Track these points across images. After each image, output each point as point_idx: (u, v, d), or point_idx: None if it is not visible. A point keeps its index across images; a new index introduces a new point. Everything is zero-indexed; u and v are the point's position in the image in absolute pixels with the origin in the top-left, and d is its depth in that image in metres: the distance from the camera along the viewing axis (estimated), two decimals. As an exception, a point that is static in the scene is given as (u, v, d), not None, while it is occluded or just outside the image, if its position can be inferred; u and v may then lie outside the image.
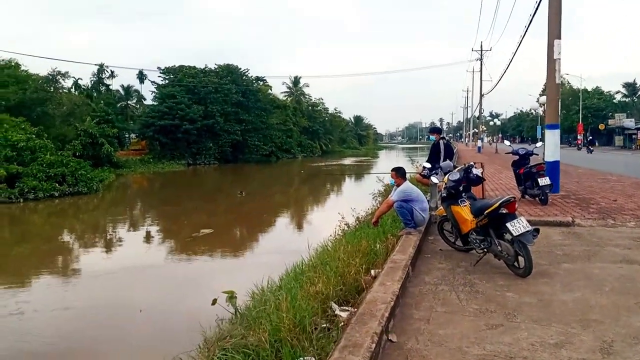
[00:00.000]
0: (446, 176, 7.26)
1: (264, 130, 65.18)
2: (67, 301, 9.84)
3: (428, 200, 8.79)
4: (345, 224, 11.47)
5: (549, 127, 13.69)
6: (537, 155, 13.20)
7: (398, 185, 8.09)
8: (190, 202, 26.70)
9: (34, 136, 28.26)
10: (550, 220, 9.47)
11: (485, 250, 6.34)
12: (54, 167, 25.94)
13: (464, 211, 6.73)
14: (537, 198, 11.63)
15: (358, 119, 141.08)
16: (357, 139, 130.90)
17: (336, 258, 6.77)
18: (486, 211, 6.08)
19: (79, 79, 76.17)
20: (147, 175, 45.88)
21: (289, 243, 13.75)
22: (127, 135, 64.13)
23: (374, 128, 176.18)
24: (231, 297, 7.39)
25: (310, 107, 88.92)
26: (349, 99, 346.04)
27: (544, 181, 11.21)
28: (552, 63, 13.32)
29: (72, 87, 76.10)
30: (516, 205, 5.99)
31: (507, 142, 13.31)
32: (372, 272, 6.10)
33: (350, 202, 15.25)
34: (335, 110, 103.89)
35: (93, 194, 27.31)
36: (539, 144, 13.79)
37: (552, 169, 12.98)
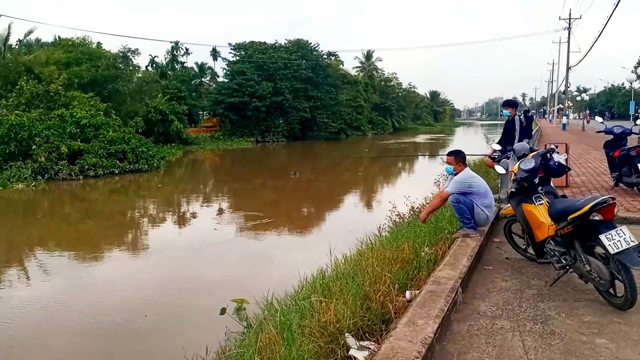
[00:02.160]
0: (517, 164, 5.52)
1: (333, 107, 63.61)
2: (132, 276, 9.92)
3: (496, 192, 7.06)
4: (397, 215, 9.91)
5: (652, 101, 11.28)
6: (639, 134, 10.87)
7: (456, 174, 6.42)
8: (244, 181, 25.94)
9: (101, 113, 28.33)
10: (655, 218, 7.45)
11: (567, 267, 4.63)
12: (115, 144, 25.84)
13: (539, 212, 5.03)
14: (635, 188, 9.50)
15: (434, 94, 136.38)
16: (433, 115, 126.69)
17: (366, 268, 5.28)
18: (571, 216, 4.35)
19: (155, 56, 78.26)
20: (215, 152, 45.85)
21: (322, 240, 10.54)
22: (200, 112, 64.76)
23: (451, 104, 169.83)
24: (239, 308, 6.15)
25: (382, 82, 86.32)
26: (425, 74, 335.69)
27: (646, 167, 9.05)
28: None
29: (148, 65, 78.52)
30: (616, 210, 4.22)
31: (598, 119, 11.01)
32: (408, 293, 4.58)
33: (410, 187, 13.62)
34: (409, 85, 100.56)
35: (154, 171, 27.07)
36: (640, 121, 11.36)
37: (656, 151, 10.66)
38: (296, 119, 58.88)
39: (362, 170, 29.43)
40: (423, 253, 5.93)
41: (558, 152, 5.65)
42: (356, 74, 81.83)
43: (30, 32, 39.76)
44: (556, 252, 4.72)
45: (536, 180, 5.24)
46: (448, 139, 67.91)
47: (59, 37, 47.93)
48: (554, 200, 5.06)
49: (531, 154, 5.69)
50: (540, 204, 5.08)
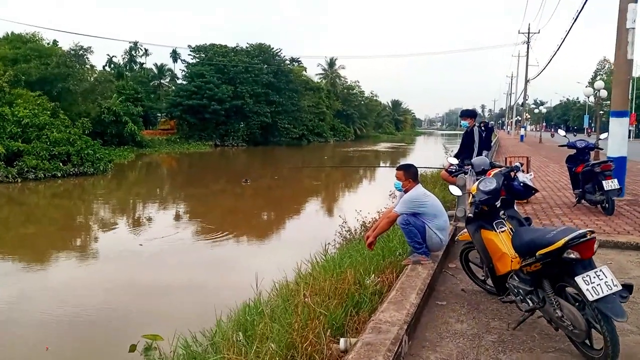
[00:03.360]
0: (475, 184, 4.75)
1: (295, 113, 62.85)
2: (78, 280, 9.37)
3: (451, 216, 6.32)
4: (347, 230, 9.10)
5: (615, 115, 10.80)
6: (602, 149, 10.37)
7: (406, 191, 5.62)
8: (193, 187, 24.72)
9: (47, 112, 26.68)
10: (622, 241, 6.85)
11: (533, 308, 3.86)
12: (59, 146, 24.26)
13: (500, 241, 4.26)
14: (598, 205, 8.95)
15: (395, 104, 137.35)
16: (394, 124, 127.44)
17: (298, 305, 4.40)
18: (540, 252, 3.57)
19: (113, 56, 75.89)
20: (170, 155, 44.35)
21: (262, 260, 10.07)
22: (158, 115, 62.90)
23: (412, 113, 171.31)
24: (149, 347, 5.18)
25: (345, 90, 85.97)
26: (387, 83, 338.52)
27: (611, 184, 8.46)
28: (623, 33, 10.45)
29: (106, 64, 75.98)
30: (595, 246, 3.46)
31: (561, 132, 10.41)
32: (342, 342, 3.72)
33: (365, 198, 12.80)
34: (371, 93, 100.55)
35: (100, 174, 25.59)
36: (604, 135, 10.85)
37: (618, 167, 10.15)
38: (257, 123, 57.84)
39: (319, 178, 28.55)
40: (368, 281, 5.11)
41: (523, 171, 4.91)
42: (319, 80, 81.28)
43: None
44: (521, 291, 3.95)
45: (498, 204, 4.48)
46: (408, 148, 68.02)
47: (11, 32, 45.50)
48: (518, 228, 4.30)
49: (492, 172, 4.94)
50: (503, 232, 4.32)
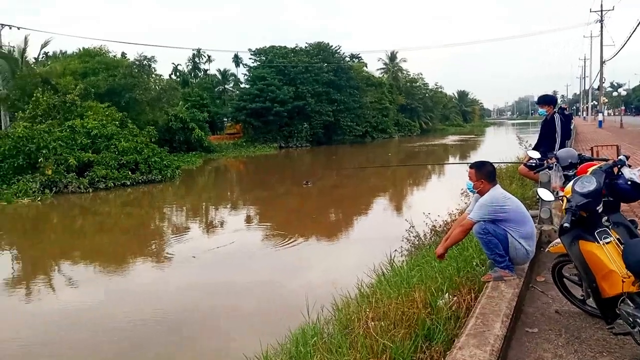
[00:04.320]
0: (569, 185, 3.92)
1: (357, 110, 62.02)
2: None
3: (535, 217, 5.46)
4: (415, 236, 8.34)
5: None
6: None
7: (481, 193, 4.84)
8: (258, 190, 24.76)
9: (116, 122, 27.42)
10: None
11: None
12: (127, 155, 24.82)
13: (606, 255, 3.43)
14: None
15: (462, 94, 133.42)
16: (462, 116, 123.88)
17: (358, 335, 3.76)
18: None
19: (177, 64, 78.11)
20: (237, 159, 44.82)
21: (319, 274, 9.73)
22: (224, 119, 63.98)
23: (480, 103, 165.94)
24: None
25: (408, 83, 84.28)
26: (451, 74, 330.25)
27: None
28: None
29: (171, 73, 78.29)
30: None
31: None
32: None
33: (434, 199, 11.96)
34: (436, 85, 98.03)
35: (168, 181, 25.99)
36: None
37: None
38: (319, 123, 57.55)
39: (383, 177, 27.58)
40: (441, 303, 4.39)
41: (630, 165, 4.02)
42: (380, 75, 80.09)
43: (46, 44, 39.31)
44: (638, 320, 3.13)
45: (599, 208, 3.64)
46: (478, 140, 65.63)
47: (82, 48, 47.55)
48: (628, 239, 3.45)
49: (588, 168, 4.08)
50: (608, 243, 3.48)
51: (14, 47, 37.42)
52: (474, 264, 5.41)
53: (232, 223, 16.78)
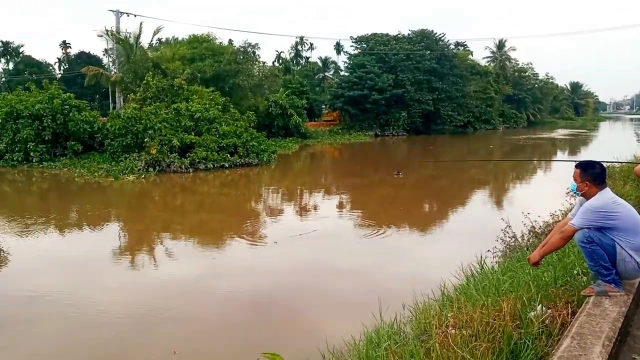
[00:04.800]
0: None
1: (459, 99, 59.81)
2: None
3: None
4: (512, 237, 7.74)
5: None
6: None
7: (585, 196, 4.28)
8: (348, 177, 24.66)
9: (219, 107, 28.44)
10: None
11: None
12: (226, 138, 25.70)
13: None
14: None
15: (575, 86, 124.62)
16: (573, 109, 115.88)
17: (435, 344, 3.44)
18: None
19: (281, 52, 79.91)
20: (332, 146, 45.01)
21: (402, 269, 9.57)
22: (323, 106, 64.54)
23: (595, 96, 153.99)
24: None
25: (516, 73, 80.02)
26: (564, 64, 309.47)
27: None
28: None
29: (275, 60, 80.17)
30: None
31: None
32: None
33: (536, 197, 11.13)
34: (546, 76, 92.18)
35: (264, 165, 26.63)
36: None
37: None
38: (418, 111, 56.24)
39: (481, 171, 26.28)
40: (532, 315, 3.94)
41: None
42: (487, 64, 76.72)
43: (158, 30, 41.63)
44: None
45: None
46: (590, 135, 61.12)
47: (192, 35, 49.82)
48: None
49: None
50: None
51: (130, 33, 40.03)
52: (575, 272, 4.86)
53: (324, 209, 16.92)
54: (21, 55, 63.33)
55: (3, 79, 61.35)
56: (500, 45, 79.53)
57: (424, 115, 56.96)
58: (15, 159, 25.90)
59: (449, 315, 4.21)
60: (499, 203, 17.54)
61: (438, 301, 5.18)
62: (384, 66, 55.59)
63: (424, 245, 11.83)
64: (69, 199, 19.31)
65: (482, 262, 6.44)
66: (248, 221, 14.92)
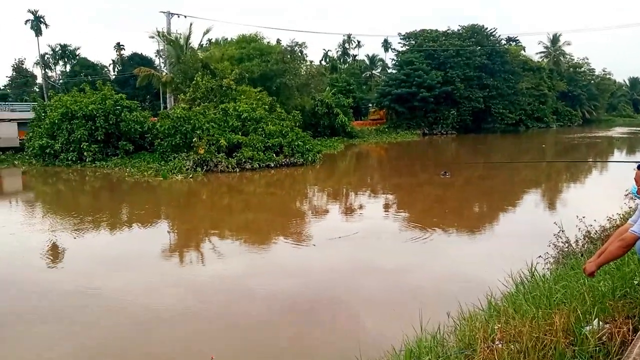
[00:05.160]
0: None
1: (511, 97, 58.13)
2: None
3: None
4: (565, 242, 7.30)
5: None
6: None
7: (650, 201, 3.91)
8: (392, 178, 24.35)
9: (265, 107, 28.59)
10: None
11: None
12: (272, 138, 25.83)
13: None
14: None
15: (635, 82, 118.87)
16: (632, 105, 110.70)
17: (480, 358, 3.20)
18: None
19: (328, 50, 79.92)
20: (378, 145, 44.58)
21: (448, 273, 9.33)
22: (369, 105, 64.10)
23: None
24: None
25: (571, 69, 77.12)
26: (624, 59, 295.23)
27: None
28: None
29: (322, 59, 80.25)
30: None
31: None
32: None
33: (591, 200, 10.57)
34: (603, 71, 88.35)
35: (309, 165, 26.60)
36: None
37: None
38: (468, 109, 55.07)
39: (533, 171, 25.29)
40: (587, 330, 3.62)
41: None
42: (540, 60, 74.27)
43: (207, 31, 42.24)
44: None
45: None
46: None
47: (241, 35, 50.40)
48: None
49: None
50: None
51: (180, 34, 40.81)
52: (635, 283, 4.48)
53: (368, 209, 16.75)
54: (77, 57, 65.78)
55: (61, 81, 63.99)
56: (555, 40, 76.87)
57: (474, 113, 55.72)
58: (69, 158, 26.91)
59: (496, 327, 3.94)
60: (551, 205, 16.81)
61: (484, 310, 4.89)
62: (433, 63, 54.69)
63: (471, 248, 11.43)
64: (120, 198, 19.85)
65: (533, 269, 6.06)
66: (293, 221, 14.98)
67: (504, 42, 64.23)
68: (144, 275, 9.85)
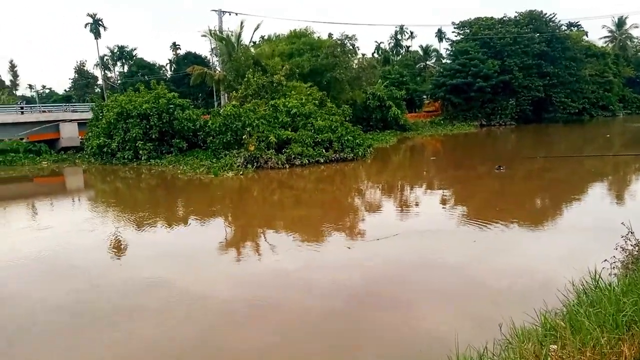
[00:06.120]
0: None
1: (573, 84, 55.22)
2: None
3: None
4: (635, 245, 6.58)
5: None
6: None
7: None
8: (453, 170, 23.48)
9: (315, 102, 28.31)
10: None
11: None
12: (322, 133, 25.52)
13: None
14: None
15: None
16: None
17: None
18: None
19: (380, 42, 78.94)
20: (434, 137, 43.48)
21: (500, 273, 8.82)
22: (423, 97, 62.75)
23: None
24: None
25: (639, 53, 72.73)
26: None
27: None
28: None
29: (374, 51, 79.32)
30: None
31: None
32: None
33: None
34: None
35: (359, 159, 26.12)
36: None
37: None
38: (527, 99, 52.92)
39: (598, 165, 23.57)
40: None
41: None
42: (604, 45, 70.37)
43: (258, 27, 42.47)
44: None
45: None
46: None
47: (292, 30, 50.36)
48: None
49: None
50: None
51: (232, 32, 41.13)
52: None
53: (421, 204, 16.50)
54: (134, 58, 67.86)
55: (119, 81, 66.20)
56: (620, 23, 72.65)
57: (533, 102, 53.49)
58: (126, 157, 27.65)
59: (551, 350, 3.44)
60: (619, 202, 15.65)
61: (538, 327, 4.36)
62: (489, 52, 52.87)
63: (532, 245, 10.78)
64: (175, 195, 20.24)
65: (597, 277, 5.43)
66: (345, 216, 14.96)
67: (564, 27, 61.29)
68: (200, 268, 10.17)
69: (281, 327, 7.16)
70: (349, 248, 11.18)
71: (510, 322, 4.64)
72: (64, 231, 14.04)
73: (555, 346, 3.52)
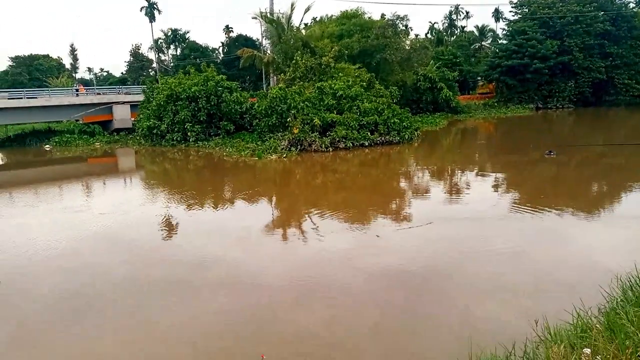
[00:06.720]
0: None
1: (639, 66, 52.10)
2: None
3: None
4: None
5: None
6: None
7: None
8: (505, 155, 22.53)
9: (363, 84, 27.85)
10: None
11: None
12: (367, 116, 25.08)
13: None
14: None
15: None
16: None
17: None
18: None
19: (434, 22, 76.97)
20: (487, 120, 42.13)
21: (522, 289, 7.66)
22: (477, 78, 60.89)
23: None
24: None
25: None
26: None
27: None
28: None
29: (427, 32, 77.45)
30: None
31: None
32: None
33: None
34: None
35: (405, 143, 25.56)
36: None
37: None
38: (587, 81, 50.34)
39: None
40: None
41: None
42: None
43: (308, 9, 42.04)
44: None
45: None
46: None
47: (344, 11, 49.75)
48: None
49: None
50: None
51: (282, 14, 40.97)
52: None
53: (472, 188, 16.09)
54: (187, 41, 68.90)
55: (172, 64, 67.46)
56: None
57: (594, 84, 50.85)
58: (174, 138, 28.16)
59: (584, 355, 3.13)
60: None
61: (572, 325, 4.02)
62: (548, 32, 50.44)
63: (584, 234, 10.28)
64: (222, 177, 20.54)
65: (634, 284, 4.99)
66: (390, 200, 14.78)
67: (632, 5, 57.64)
68: (248, 248, 10.34)
69: (333, 307, 7.26)
70: (398, 230, 11.02)
71: (550, 317, 4.33)
72: (120, 210, 14.46)
73: (589, 350, 3.19)
